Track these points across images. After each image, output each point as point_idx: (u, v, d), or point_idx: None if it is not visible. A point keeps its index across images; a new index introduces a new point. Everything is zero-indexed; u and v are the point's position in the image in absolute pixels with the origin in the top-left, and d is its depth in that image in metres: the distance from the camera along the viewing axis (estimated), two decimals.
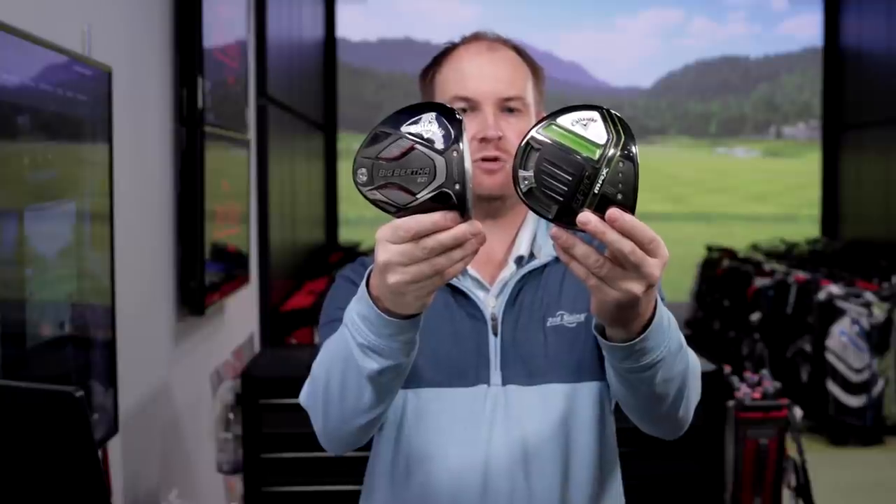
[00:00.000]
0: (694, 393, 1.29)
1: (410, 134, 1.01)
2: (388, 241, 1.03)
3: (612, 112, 1.04)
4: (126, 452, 2.50)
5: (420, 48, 9.54)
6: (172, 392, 2.99)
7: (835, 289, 5.92)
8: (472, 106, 1.41)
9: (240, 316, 4.14)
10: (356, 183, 1.02)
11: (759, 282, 6.75)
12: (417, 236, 1.01)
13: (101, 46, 2.25)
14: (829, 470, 5.07)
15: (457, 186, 1.00)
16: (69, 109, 2.01)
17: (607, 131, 1.02)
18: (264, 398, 2.81)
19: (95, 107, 2.15)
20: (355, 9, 9.32)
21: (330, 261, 7.37)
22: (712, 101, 10.27)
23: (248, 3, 4.08)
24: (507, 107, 1.42)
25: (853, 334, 5.68)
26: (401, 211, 1.02)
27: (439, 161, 1.00)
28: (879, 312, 5.74)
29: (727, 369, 3.59)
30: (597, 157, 1.01)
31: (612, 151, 1.01)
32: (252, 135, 4.28)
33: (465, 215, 1.02)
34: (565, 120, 1.03)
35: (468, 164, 1.01)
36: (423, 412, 1.39)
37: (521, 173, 1.03)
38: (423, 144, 1.01)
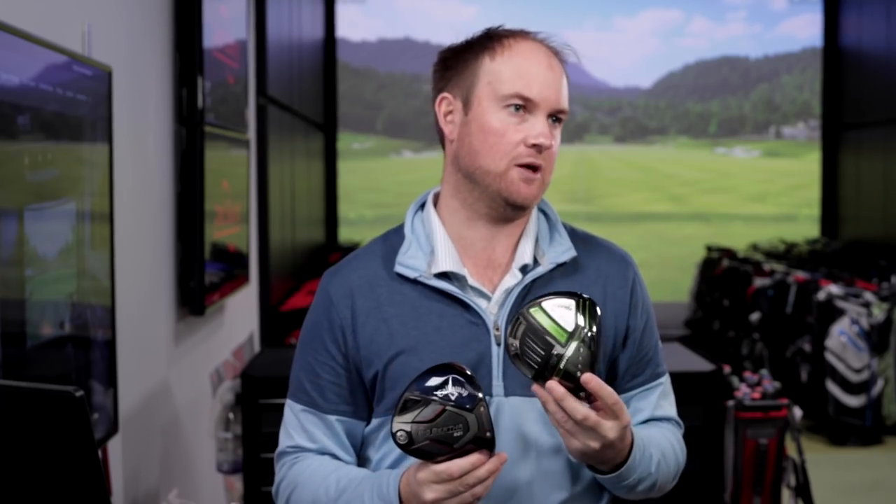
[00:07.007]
0: (678, 473, 1.47)
1: (440, 397, 1.24)
2: (433, 483, 1.26)
3: (587, 300, 1.28)
4: (126, 452, 2.50)
5: (420, 48, 9.53)
6: (172, 392, 2.99)
7: (834, 289, 5.92)
8: (528, 108, 1.39)
9: (239, 316, 4.14)
10: (397, 443, 1.25)
11: (759, 282, 6.74)
12: (459, 476, 1.24)
13: (101, 46, 2.25)
14: (829, 470, 5.08)
15: (488, 434, 1.24)
16: (69, 109, 2.01)
17: (576, 319, 1.26)
18: (264, 398, 2.81)
19: (95, 107, 2.15)
20: (355, 9, 9.32)
21: (330, 260, 7.37)
22: (712, 101, 10.25)
23: (248, 3, 4.09)
24: (557, 117, 1.41)
25: (853, 334, 5.68)
26: (440, 457, 1.25)
27: (470, 417, 1.24)
28: (879, 312, 5.74)
29: (727, 369, 3.59)
30: (563, 341, 1.25)
31: (576, 337, 1.26)
32: (252, 135, 4.28)
33: (492, 451, 1.25)
34: (549, 304, 1.27)
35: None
36: None
37: (511, 340, 1.27)
38: (453, 405, 1.24)
